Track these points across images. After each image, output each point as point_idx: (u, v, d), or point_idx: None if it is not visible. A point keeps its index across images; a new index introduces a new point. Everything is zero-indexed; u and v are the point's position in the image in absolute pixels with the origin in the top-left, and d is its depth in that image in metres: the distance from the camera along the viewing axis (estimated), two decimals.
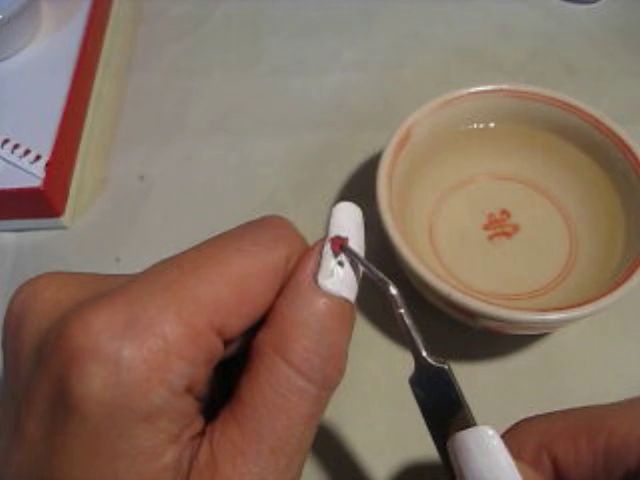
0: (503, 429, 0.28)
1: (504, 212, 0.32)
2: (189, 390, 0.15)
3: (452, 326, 0.30)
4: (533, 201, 0.33)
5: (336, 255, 0.18)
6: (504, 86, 0.33)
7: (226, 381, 0.18)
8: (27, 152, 0.34)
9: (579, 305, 0.25)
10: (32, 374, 0.15)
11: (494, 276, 0.30)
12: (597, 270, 0.29)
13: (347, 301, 0.17)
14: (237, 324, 0.16)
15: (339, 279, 0.17)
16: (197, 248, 0.18)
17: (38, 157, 0.34)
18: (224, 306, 0.16)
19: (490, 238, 0.32)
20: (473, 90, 0.33)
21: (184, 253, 0.17)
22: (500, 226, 0.32)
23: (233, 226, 0.39)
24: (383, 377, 0.30)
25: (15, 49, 0.40)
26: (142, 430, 0.14)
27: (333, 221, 0.19)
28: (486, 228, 0.32)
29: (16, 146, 0.35)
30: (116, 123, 0.41)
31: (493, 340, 0.30)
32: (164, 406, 0.15)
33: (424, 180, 0.33)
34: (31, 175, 0.34)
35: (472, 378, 0.29)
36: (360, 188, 0.37)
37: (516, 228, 0.32)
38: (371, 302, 0.32)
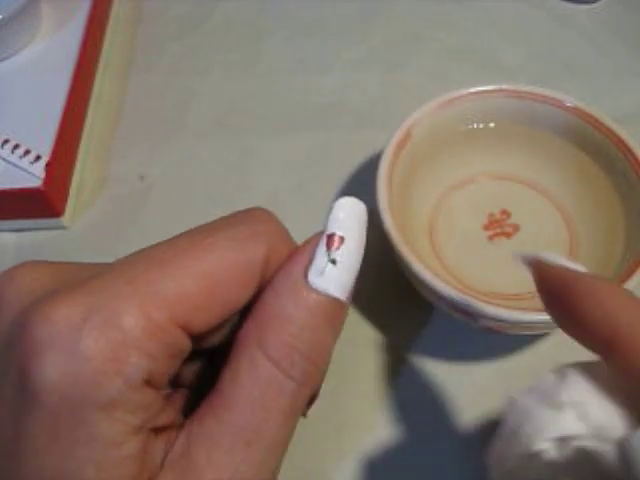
0: None
1: (504, 212, 0.32)
2: (149, 383, 0.16)
3: (452, 326, 0.30)
4: (533, 201, 0.33)
5: (330, 253, 0.17)
6: (504, 86, 0.33)
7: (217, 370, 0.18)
8: (27, 152, 0.34)
9: None
10: (2, 362, 0.16)
11: (494, 276, 0.30)
12: (597, 270, 0.29)
13: (336, 300, 0.17)
14: (205, 320, 0.16)
15: (330, 277, 0.17)
16: (171, 240, 0.18)
17: (38, 157, 0.34)
18: (189, 301, 0.16)
19: (490, 238, 0.32)
20: (473, 90, 0.33)
21: (156, 246, 0.17)
22: (500, 226, 0.32)
23: None
24: (383, 377, 0.30)
25: (15, 49, 0.40)
26: (99, 419, 0.15)
27: (332, 217, 0.18)
28: (486, 228, 0.32)
29: (16, 146, 0.35)
30: (116, 123, 0.41)
31: (493, 340, 0.30)
32: (120, 397, 0.15)
33: (424, 180, 0.33)
34: (31, 175, 0.34)
35: (472, 378, 0.29)
36: (360, 188, 0.37)
37: (516, 228, 0.32)
38: (373, 303, 0.32)
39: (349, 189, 0.37)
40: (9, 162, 0.34)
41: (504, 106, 0.33)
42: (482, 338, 0.30)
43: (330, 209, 0.18)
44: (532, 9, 0.46)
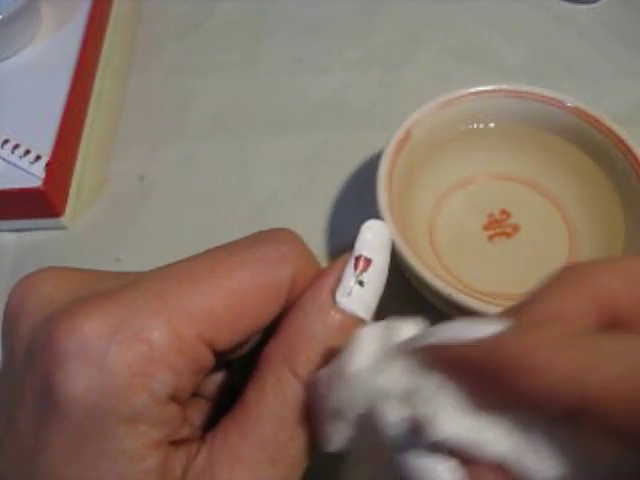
0: None
1: (504, 212, 0.32)
2: (174, 398, 0.16)
3: None
4: (533, 201, 0.33)
5: (357, 274, 0.18)
6: (504, 86, 0.33)
7: (240, 380, 0.18)
8: (27, 152, 0.34)
9: None
10: (24, 369, 0.16)
11: (494, 276, 0.30)
12: None
13: (361, 320, 0.17)
14: (230, 338, 0.16)
15: (356, 298, 0.17)
16: (199, 257, 0.17)
17: (38, 157, 0.34)
18: (216, 319, 0.16)
19: (490, 238, 0.32)
20: (473, 90, 0.33)
21: (185, 261, 0.17)
22: (500, 226, 0.32)
23: (233, 226, 0.40)
24: None
25: (15, 49, 0.40)
26: (123, 432, 0.15)
27: (360, 239, 0.18)
28: (486, 228, 0.32)
29: (16, 146, 0.35)
30: (116, 123, 0.41)
31: None
32: (145, 412, 0.15)
33: (424, 180, 0.33)
34: (31, 175, 0.34)
35: None
36: (360, 188, 0.37)
37: (516, 228, 0.32)
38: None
39: (349, 189, 0.37)
40: (9, 162, 0.34)
41: (504, 106, 0.33)
42: None
43: (359, 231, 0.19)
44: (532, 9, 0.46)
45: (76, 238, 0.36)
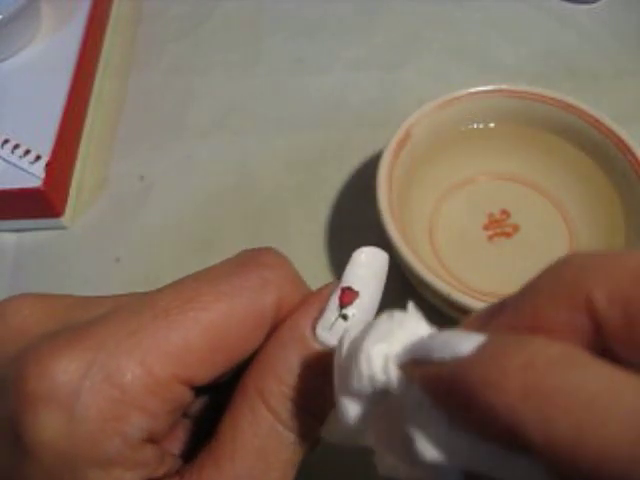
0: None
1: (504, 212, 0.32)
2: (150, 439, 0.15)
3: (452, 326, 0.30)
4: (533, 201, 0.33)
5: (342, 308, 0.16)
6: (504, 86, 0.33)
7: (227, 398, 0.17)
8: (27, 152, 0.34)
9: None
10: None
11: (494, 276, 0.30)
12: None
13: None
14: (209, 373, 0.16)
15: (338, 332, 0.16)
16: (176, 287, 0.16)
17: (38, 157, 0.34)
18: (194, 355, 0.15)
19: (490, 238, 0.32)
20: (473, 90, 0.33)
21: (162, 291, 0.16)
22: (500, 226, 0.32)
23: (233, 226, 0.39)
24: None
25: (15, 49, 0.40)
26: (96, 476, 0.14)
27: (349, 268, 0.17)
28: (486, 228, 0.32)
29: (16, 146, 0.35)
30: (116, 123, 0.41)
31: None
32: (118, 456, 0.14)
33: (424, 180, 0.33)
34: (31, 175, 0.34)
35: None
36: (360, 188, 0.37)
37: (516, 228, 0.32)
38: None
39: (349, 189, 0.37)
40: (9, 162, 0.34)
41: (504, 106, 0.33)
42: None
43: (350, 259, 0.17)
44: (532, 9, 0.46)
45: (76, 238, 0.36)
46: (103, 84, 0.43)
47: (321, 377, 0.16)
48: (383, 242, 0.28)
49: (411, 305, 0.15)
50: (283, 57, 0.44)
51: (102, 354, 0.14)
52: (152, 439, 0.15)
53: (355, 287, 0.17)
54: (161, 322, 0.15)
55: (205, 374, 0.16)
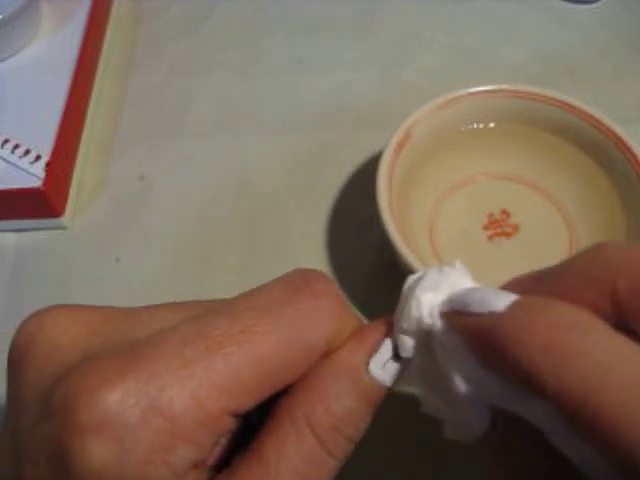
0: None
1: (504, 212, 0.32)
2: (196, 466, 0.15)
3: None
4: (533, 201, 0.33)
5: (397, 349, 0.17)
6: (504, 86, 0.33)
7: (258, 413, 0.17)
8: (27, 152, 0.34)
9: None
10: (34, 426, 0.15)
11: (494, 276, 0.30)
12: None
13: (386, 388, 0.17)
14: (255, 402, 0.16)
15: (389, 371, 0.17)
16: (229, 313, 0.16)
17: (38, 157, 0.34)
18: (245, 388, 0.15)
19: (490, 238, 0.32)
20: (473, 90, 0.33)
21: (215, 315, 0.16)
22: (500, 226, 0.32)
23: (233, 226, 0.39)
24: None
25: (15, 49, 0.40)
26: None
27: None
28: (486, 228, 0.32)
29: (16, 146, 0.35)
30: (116, 123, 0.41)
31: None
32: None
33: (424, 180, 0.33)
34: (31, 175, 0.34)
35: None
36: (360, 188, 0.37)
37: (516, 228, 0.32)
38: (372, 303, 0.32)
39: (349, 189, 0.37)
40: (9, 162, 0.34)
41: (504, 106, 0.33)
42: None
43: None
44: (532, 9, 0.46)
45: (76, 238, 0.36)
46: (103, 84, 0.43)
47: (367, 410, 0.17)
48: (383, 242, 0.28)
49: (458, 262, 0.18)
50: (283, 57, 0.44)
51: (154, 386, 0.14)
52: (198, 466, 0.15)
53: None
54: (214, 354, 0.15)
55: (251, 403, 0.16)
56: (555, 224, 0.32)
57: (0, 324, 0.32)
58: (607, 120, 0.31)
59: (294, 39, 0.45)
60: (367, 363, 0.17)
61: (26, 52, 0.40)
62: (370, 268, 0.33)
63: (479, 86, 0.33)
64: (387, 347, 0.17)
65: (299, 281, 0.17)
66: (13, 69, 0.39)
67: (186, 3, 0.48)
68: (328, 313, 0.17)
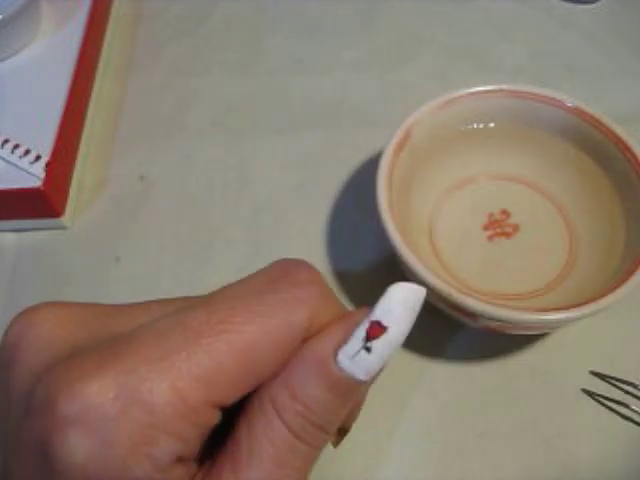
0: (503, 430, 0.28)
1: (504, 212, 0.32)
2: (179, 460, 0.15)
3: (452, 326, 0.30)
4: (533, 201, 0.33)
5: (367, 339, 0.16)
6: (504, 86, 0.33)
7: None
8: (27, 152, 0.34)
9: (579, 305, 0.25)
10: (21, 422, 0.15)
11: (494, 276, 0.30)
12: (597, 270, 0.29)
13: (359, 382, 0.17)
14: (238, 393, 0.16)
15: (359, 363, 0.16)
16: (208, 305, 0.16)
17: (38, 157, 0.34)
18: (226, 378, 0.15)
19: (490, 238, 0.32)
20: (473, 90, 0.33)
21: (194, 309, 0.16)
22: (500, 226, 0.32)
23: (233, 226, 0.39)
24: (382, 376, 0.30)
25: (15, 49, 0.40)
26: None
27: (382, 302, 0.17)
28: (486, 228, 0.32)
29: (16, 146, 0.35)
30: (116, 123, 0.41)
31: (493, 340, 0.30)
32: (147, 479, 0.14)
33: (424, 180, 0.33)
34: (31, 175, 0.34)
35: (472, 378, 0.29)
36: (360, 188, 0.37)
37: (516, 228, 0.32)
38: (372, 303, 0.32)
39: (349, 189, 0.37)
40: (9, 162, 0.34)
41: (504, 106, 0.33)
42: (482, 338, 0.30)
43: (385, 292, 0.17)
44: (532, 9, 0.46)
45: (76, 238, 0.36)
46: (103, 84, 0.43)
47: (338, 401, 0.17)
48: (383, 242, 0.28)
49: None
50: (283, 57, 0.44)
51: (133, 378, 0.14)
52: (182, 460, 0.15)
53: (385, 322, 0.16)
54: (193, 345, 0.15)
55: (235, 395, 0.16)
56: (555, 224, 0.32)
57: (0, 324, 0.32)
58: (607, 120, 0.31)
59: (294, 39, 0.45)
60: (336, 352, 0.16)
61: (26, 52, 0.40)
62: (370, 268, 0.33)
63: (479, 86, 0.33)
64: (358, 339, 0.16)
65: (278, 271, 0.17)
66: (13, 69, 0.39)
67: (186, 3, 0.48)
68: (309, 302, 0.17)
